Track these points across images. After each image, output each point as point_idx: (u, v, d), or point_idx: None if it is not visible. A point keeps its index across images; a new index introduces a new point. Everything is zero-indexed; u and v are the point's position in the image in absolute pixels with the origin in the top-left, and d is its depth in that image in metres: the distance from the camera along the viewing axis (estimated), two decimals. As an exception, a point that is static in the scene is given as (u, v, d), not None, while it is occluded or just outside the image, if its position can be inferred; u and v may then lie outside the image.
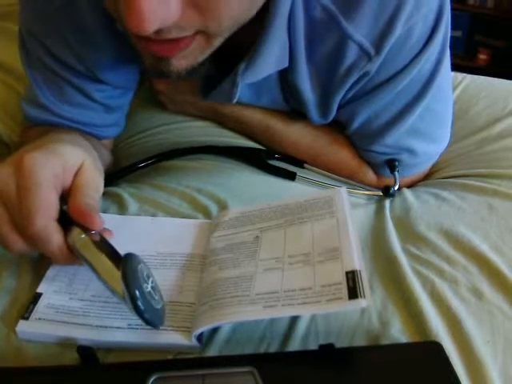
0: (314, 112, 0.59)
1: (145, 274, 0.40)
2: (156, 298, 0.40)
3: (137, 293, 0.37)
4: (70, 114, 0.58)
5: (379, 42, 0.50)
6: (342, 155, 0.64)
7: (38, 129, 0.59)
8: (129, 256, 0.40)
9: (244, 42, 0.48)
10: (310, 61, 0.53)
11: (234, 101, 0.56)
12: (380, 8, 0.48)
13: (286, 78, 0.55)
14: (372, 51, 0.50)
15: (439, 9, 0.51)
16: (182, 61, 0.43)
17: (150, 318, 0.38)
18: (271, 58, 0.50)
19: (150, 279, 0.40)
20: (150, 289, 0.39)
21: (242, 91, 0.55)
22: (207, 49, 0.44)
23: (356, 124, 0.59)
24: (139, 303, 0.37)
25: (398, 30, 0.49)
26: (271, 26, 0.48)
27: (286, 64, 0.52)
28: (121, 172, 0.64)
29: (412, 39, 0.51)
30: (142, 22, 0.35)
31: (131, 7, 0.34)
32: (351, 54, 0.51)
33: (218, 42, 0.43)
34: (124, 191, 0.57)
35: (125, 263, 0.39)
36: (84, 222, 0.41)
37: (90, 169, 0.45)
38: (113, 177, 0.62)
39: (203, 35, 0.41)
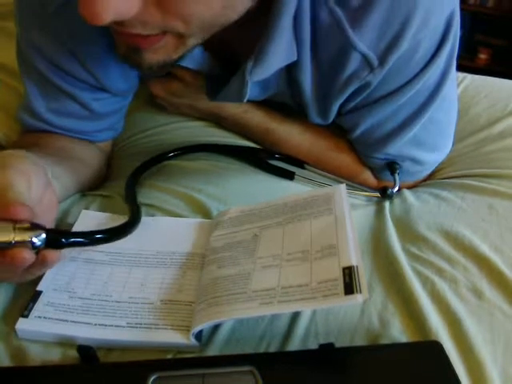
0: (313, 111, 0.58)
1: None
2: None
3: None
4: (62, 123, 0.58)
5: (384, 54, 0.49)
6: (343, 160, 0.64)
7: (32, 134, 0.59)
8: None
9: (248, 40, 0.47)
10: (314, 60, 0.52)
11: (245, 100, 0.54)
12: (388, 20, 0.47)
13: (291, 72, 0.54)
14: (375, 63, 0.49)
15: (448, 20, 0.49)
16: (154, 55, 0.42)
17: None
18: (278, 55, 0.49)
19: None
20: None
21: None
22: (180, 48, 0.43)
23: (358, 132, 0.59)
24: None
25: (405, 44, 0.48)
26: (276, 25, 0.46)
27: (294, 58, 0.50)
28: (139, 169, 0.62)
29: (418, 53, 0.50)
30: (95, 14, 0.34)
31: None
32: (353, 62, 0.50)
33: (192, 42, 0.42)
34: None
35: None
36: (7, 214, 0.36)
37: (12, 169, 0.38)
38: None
39: (173, 34, 0.41)
